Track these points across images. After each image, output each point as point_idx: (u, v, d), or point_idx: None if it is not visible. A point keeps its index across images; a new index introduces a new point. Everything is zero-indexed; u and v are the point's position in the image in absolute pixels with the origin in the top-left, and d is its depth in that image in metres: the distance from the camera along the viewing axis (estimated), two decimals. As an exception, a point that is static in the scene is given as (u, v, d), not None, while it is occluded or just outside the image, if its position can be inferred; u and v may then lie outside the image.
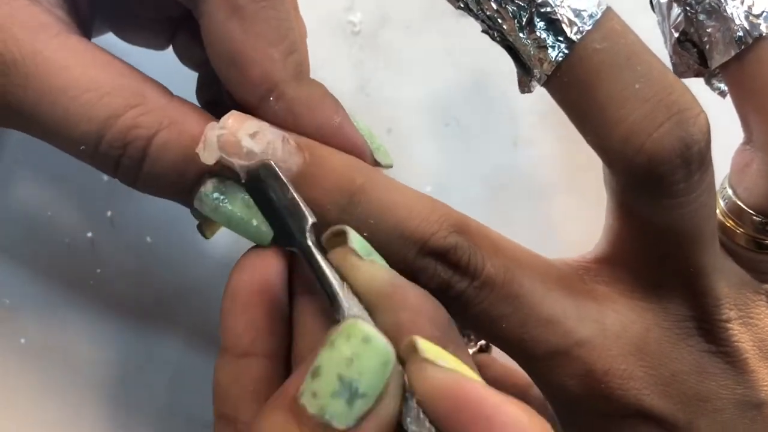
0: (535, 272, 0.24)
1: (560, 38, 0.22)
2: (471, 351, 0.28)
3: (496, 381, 0.28)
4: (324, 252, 0.21)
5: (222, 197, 0.22)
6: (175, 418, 0.31)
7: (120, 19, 0.27)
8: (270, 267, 0.22)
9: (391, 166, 0.24)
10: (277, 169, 0.22)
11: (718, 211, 0.25)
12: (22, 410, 0.31)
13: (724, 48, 0.23)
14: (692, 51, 0.24)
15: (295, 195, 0.21)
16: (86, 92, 0.21)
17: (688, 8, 0.24)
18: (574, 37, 0.21)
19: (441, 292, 0.23)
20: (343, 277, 0.21)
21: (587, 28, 0.21)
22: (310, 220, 0.21)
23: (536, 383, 0.25)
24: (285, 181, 0.21)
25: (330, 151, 0.23)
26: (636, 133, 0.21)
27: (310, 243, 0.21)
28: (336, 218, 0.22)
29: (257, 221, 0.22)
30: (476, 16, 0.23)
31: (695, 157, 0.21)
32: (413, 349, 0.19)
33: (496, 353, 0.29)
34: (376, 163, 0.23)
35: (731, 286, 0.24)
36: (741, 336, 0.24)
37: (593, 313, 0.24)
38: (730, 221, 0.25)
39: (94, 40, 0.26)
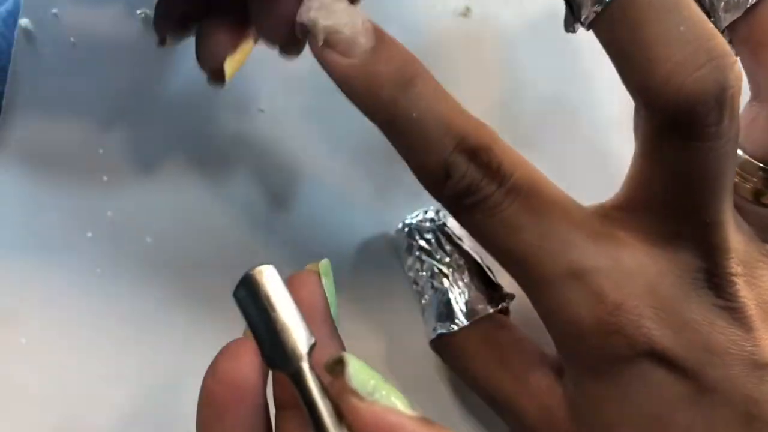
0: (558, 198, 0.25)
1: None
2: (491, 310, 0.28)
3: (509, 344, 0.28)
4: (319, 379, 0.19)
5: None
6: (174, 418, 0.31)
7: None
8: (250, 370, 0.21)
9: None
10: (278, 274, 0.20)
11: None
12: (22, 410, 0.31)
13: (734, 6, 0.24)
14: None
15: (295, 309, 0.19)
16: None
17: None
18: None
19: (468, 195, 0.24)
20: (339, 415, 0.19)
21: None
22: (310, 340, 0.19)
23: (545, 317, 0.25)
24: (287, 290, 0.20)
25: (396, 40, 0.25)
26: (677, 72, 0.22)
27: (307, 370, 0.19)
28: (392, 95, 0.24)
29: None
30: None
31: (728, 102, 0.22)
32: (341, 370, 0.19)
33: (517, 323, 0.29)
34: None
35: (740, 242, 0.24)
36: (746, 293, 0.24)
37: (610, 250, 0.24)
38: (738, 176, 0.25)
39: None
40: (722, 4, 0.24)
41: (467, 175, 0.24)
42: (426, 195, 0.25)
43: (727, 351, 0.24)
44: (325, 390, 0.19)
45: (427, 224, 0.31)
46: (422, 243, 0.31)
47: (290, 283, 0.22)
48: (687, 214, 0.24)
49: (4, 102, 0.32)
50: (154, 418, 0.31)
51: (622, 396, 0.24)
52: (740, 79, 0.23)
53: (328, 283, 0.23)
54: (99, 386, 0.31)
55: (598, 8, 0.23)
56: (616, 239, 0.24)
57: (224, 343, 0.21)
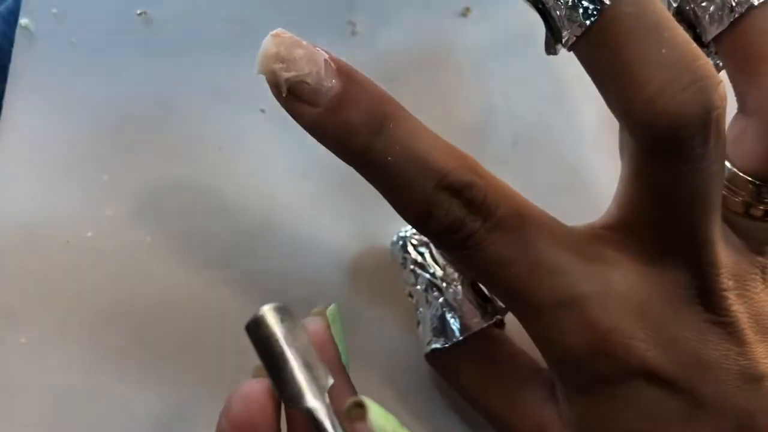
0: (545, 224, 0.24)
1: (591, 2, 0.22)
2: (486, 323, 0.28)
3: (503, 360, 0.28)
4: (337, 419, 0.19)
5: None
6: (174, 418, 0.31)
7: None
8: (264, 413, 0.21)
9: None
10: (291, 310, 0.20)
11: None
12: (22, 410, 0.31)
13: (718, 19, 0.24)
14: (687, 31, 0.25)
15: (311, 345, 0.19)
16: None
17: None
18: (605, 1, 0.22)
19: (453, 232, 0.24)
20: None
21: None
22: (328, 377, 0.19)
23: (539, 343, 0.25)
24: (301, 326, 0.20)
25: (364, 78, 0.24)
26: (661, 95, 0.22)
27: (324, 407, 0.19)
28: (364, 142, 0.23)
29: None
30: None
31: (714, 123, 0.22)
32: (360, 415, 0.19)
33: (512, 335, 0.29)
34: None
35: (730, 257, 0.24)
36: (738, 307, 0.24)
37: (600, 272, 0.24)
38: (727, 189, 0.25)
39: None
40: (707, 16, 0.24)
41: (450, 213, 0.23)
42: None
43: (719, 366, 0.24)
44: (342, 429, 0.19)
45: (421, 237, 0.31)
46: (416, 256, 0.31)
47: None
48: (676, 233, 0.24)
49: (4, 102, 0.32)
50: (153, 417, 0.31)
51: (616, 415, 0.24)
52: (725, 99, 0.22)
53: (336, 329, 0.23)
54: (98, 386, 0.31)
55: (578, 31, 0.23)
56: (605, 260, 0.24)
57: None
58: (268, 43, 0.23)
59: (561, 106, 0.34)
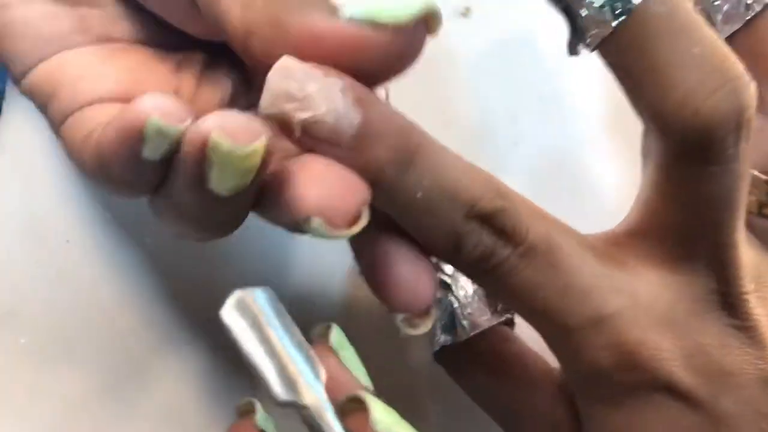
0: (573, 241, 0.24)
1: (619, 1, 0.22)
2: (496, 321, 0.28)
3: (513, 359, 0.28)
4: (336, 414, 0.18)
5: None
6: (175, 418, 0.31)
7: None
8: None
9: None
10: (274, 296, 0.18)
11: None
12: (22, 410, 0.31)
13: (733, 18, 0.24)
14: None
15: (301, 336, 0.18)
16: None
17: None
18: (635, 1, 0.22)
19: (483, 261, 0.23)
20: None
21: None
22: (323, 370, 0.18)
23: (564, 361, 0.25)
24: (287, 315, 0.18)
25: (385, 105, 0.21)
26: (693, 96, 0.22)
27: (325, 402, 0.17)
28: (392, 179, 0.21)
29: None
30: None
31: (745, 125, 0.22)
32: (358, 410, 0.18)
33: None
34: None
35: (751, 258, 0.24)
36: (758, 310, 0.24)
37: (625, 284, 0.24)
38: None
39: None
40: (720, 16, 0.24)
41: (481, 243, 0.22)
42: None
43: (741, 371, 0.24)
44: (343, 425, 0.18)
45: None
46: None
47: None
48: (702, 235, 0.24)
49: (4, 102, 0.32)
50: (154, 417, 0.31)
51: (636, 426, 0.24)
52: (756, 98, 0.22)
53: (347, 355, 0.21)
54: (99, 386, 0.31)
55: (606, 32, 0.22)
56: (630, 270, 0.24)
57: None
58: (275, 78, 0.19)
59: (561, 106, 0.34)
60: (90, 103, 0.23)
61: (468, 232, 0.22)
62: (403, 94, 0.35)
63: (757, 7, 0.23)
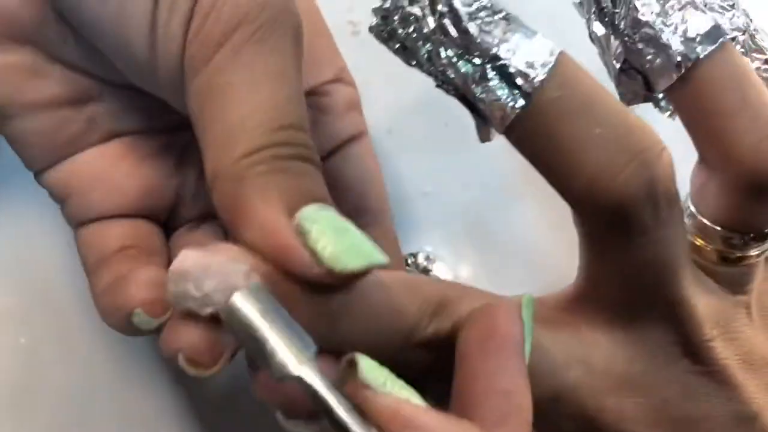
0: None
1: (515, 91, 0.21)
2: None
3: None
4: (331, 383, 0.18)
5: None
6: (175, 417, 0.31)
7: None
8: None
9: (361, 270, 0.20)
10: (264, 289, 0.19)
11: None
12: (22, 410, 0.31)
13: (665, 73, 0.23)
14: (637, 78, 0.24)
15: (290, 318, 0.19)
16: None
17: (626, 39, 0.24)
18: (529, 89, 0.21)
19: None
20: (361, 414, 0.18)
21: (542, 78, 0.21)
22: (313, 344, 0.19)
23: (535, 424, 0.25)
24: (276, 303, 0.19)
25: (296, 286, 0.20)
26: (600, 177, 0.21)
27: (314, 369, 0.18)
28: (324, 337, 0.20)
29: None
30: (429, 73, 0.23)
31: (661, 195, 0.22)
32: (353, 372, 0.18)
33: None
34: (328, 271, 0.19)
35: (711, 305, 0.24)
36: (725, 353, 0.24)
37: (578, 354, 0.24)
38: (699, 239, 0.25)
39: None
40: (653, 69, 0.23)
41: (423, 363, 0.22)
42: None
43: (709, 416, 0.24)
44: (338, 389, 0.18)
45: (413, 270, 0.31)
46: None
47: (488, 314, 0.21)
48: (647, 297, 0.23)
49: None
50: (155, 416, 0.31)
51: None
52: (670, 169, 0.22)
53: (527, 315, 0.21)
54: (99, 386, 0.31)
55: (506, 122, 0.22)
56: (581, 337, 0.24)
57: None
58: (172, 279, 0.20)
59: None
60: (99, 217, 0.25)
61: (410, 360, 0.21)
62: (404, 94, 0.35)
63: (687, 64, 0.23)
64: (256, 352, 0.18)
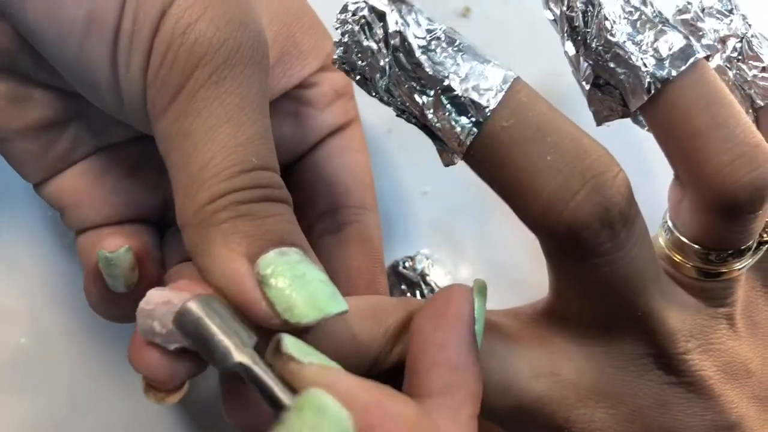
0: (492, 326, 0.24)
1: (468, 120, 0.22)
2: None
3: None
4: (269, 367, 0.20)
5: None
6: (175, 417, 0.31)
7: None
8: None
9: (315, 322, 0.21)
10: (211, 298, 0.20)
11: (663, 244, 0.25)
12: (22, 410, 0.31)
13: (636, 93, 0.23)
14: (615, 93, 0.24)
15: (233, 318, 0.20)
16: None
17: (598, 58, 0.24)
18: (480, 118, 0.21)
19: None
20: (293, 389, 0.19)
21: (492, 107, 0.21)
22: (252, 338, 0.20)
23: None
24: (222, 306, 0.20)
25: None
26: (553, 204, 0.21)
27: (249, 358, 0.19)
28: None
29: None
30: (389, 104, 0.23)
31: (617, 218, 0.21)
32: (278, 347, 0.19)
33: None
34: (284, 322, 0.20)
35: (685, 319, 0.24)
36: (702, 364, 0.24)
37: (547, 366, 0.24)
38: (677, 255, 0.25)
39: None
40: (626, 87, 0.23)
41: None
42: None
43: (686, 426, 0.24)
44: (271, 370, 0.20)
45: (410, 273, 0.31)
46: (404, 287, 0.31)
47: (441, 294, 0.22)
48: (612, 314, 0.23)
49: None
50: (155, 415, 0.31)
51: None
52: (626, 191, 0.22)
53: (479, 300, 0.22)
54: (99, 386, 0.31)
55: (462, 150, 0.22)
56: (551, 349, 0.24)
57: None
58: (139, 316, 0.21)
59: (561, 106, 0.34)
60: (92, 227, 0.27)
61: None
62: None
63: (657, 85, 0.22)
64: (205, 348, 0.20)
